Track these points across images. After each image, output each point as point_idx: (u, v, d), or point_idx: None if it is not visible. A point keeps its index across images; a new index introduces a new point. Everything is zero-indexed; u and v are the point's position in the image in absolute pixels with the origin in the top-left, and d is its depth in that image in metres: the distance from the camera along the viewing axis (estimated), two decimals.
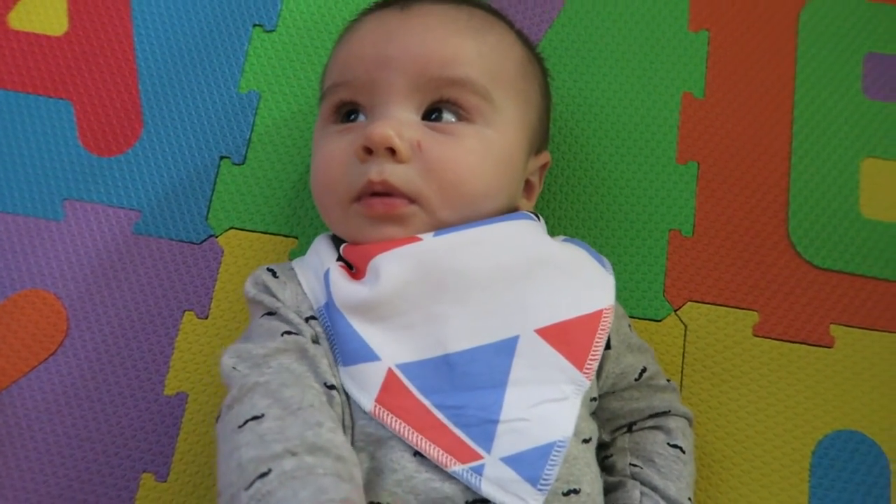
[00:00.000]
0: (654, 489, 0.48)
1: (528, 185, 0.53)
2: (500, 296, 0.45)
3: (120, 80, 0.64)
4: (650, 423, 0.51)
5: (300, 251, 0.60)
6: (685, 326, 0.59)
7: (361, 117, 0.49)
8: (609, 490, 0.49)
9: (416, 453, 0.42)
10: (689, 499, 0.49)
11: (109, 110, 0.64)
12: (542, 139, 0.55)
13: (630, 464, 0.50)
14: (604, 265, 0.50)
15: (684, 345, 0.59)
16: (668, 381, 0.53)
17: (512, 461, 0.42)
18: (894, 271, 0.61)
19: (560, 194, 0.62)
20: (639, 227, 0.62)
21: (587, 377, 0.45)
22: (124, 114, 0.64)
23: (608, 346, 0.48)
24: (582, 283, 0.47)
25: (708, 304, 0.60)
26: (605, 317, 0.46)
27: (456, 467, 0.42)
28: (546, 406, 0.43)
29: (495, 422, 0.42)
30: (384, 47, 0.48)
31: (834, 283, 0.61)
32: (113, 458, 0.56)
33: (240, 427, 0.39)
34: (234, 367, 0.43)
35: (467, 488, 0.42)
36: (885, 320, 0.60)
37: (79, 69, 0.65)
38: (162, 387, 0.58)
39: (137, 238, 0.61)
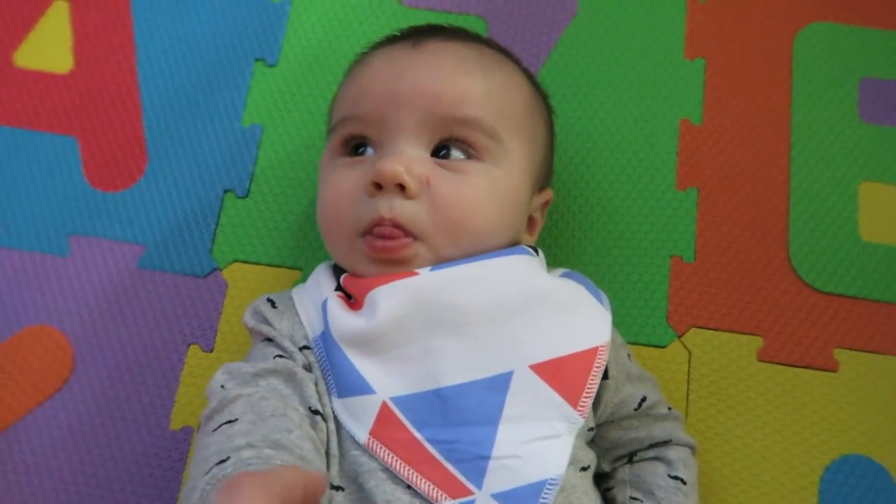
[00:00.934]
0: None
1: (530, 221, 0.54)
2: (496, 331, 0.45)
3: (125, 116, 0.65)
4: (651, 453, 0.51)
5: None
6: (689, 352, 0.60)
7: (370, 150, 0.49)
8: None
9: (408, 485, 0.43)
10: None
11: (114, 146, 0.65)
12: (546, 176, 0.56)
13: (630, 497, 0.50)
14: (601, 301, 0.50)
15: (689, 371, 0.59)
16: (671, 409, 0.53)
17: (503, 498, 0.42)
18: (895, 294, 0.61)
19: (561, 223, 0.63)
20: (640, 254, 0.62)
21: (581, 414, 0.45)
22: (129, 149, 0.64)
23: (606, 377, 0.48)
24: (578, 319, 0.47)
25: (711, 329, 0.60)
26: (600, 354, 0.46)
27: (447, 502, 0.42)
28: (539, 443, 0.43)
29: (487, 458, 0.42)
30: (395, 83, 0.48)
31: (836, 307, 0.61)
32: (119, 494, 0.56)
33: (213, 431, 0.40)
34: (222, 385, 0.43)
35: None
36: (889, 343, 0.60)
37: (84, 106, 0.65)
38: (168, 421, 0.58)
39: (142, 272, 0.61)
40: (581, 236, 0.63)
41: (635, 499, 0.50)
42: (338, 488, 0.43)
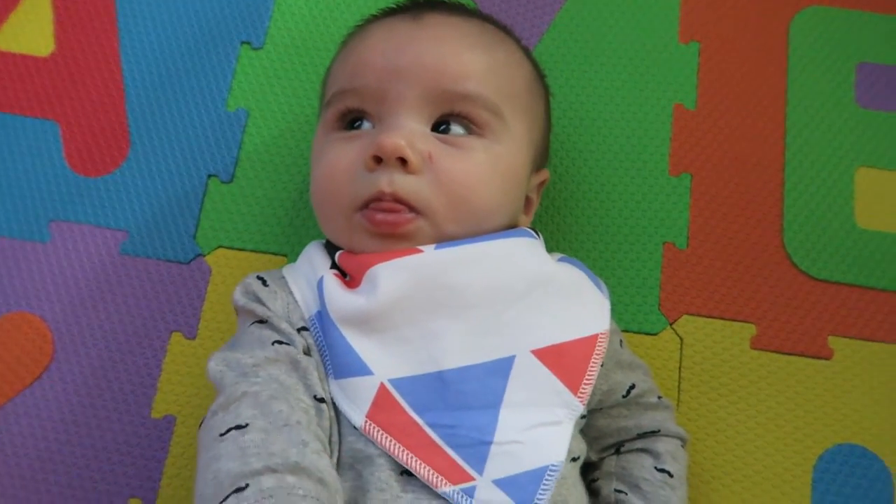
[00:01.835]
0: None
1: (527, 202, 0.53)
2: (498, 315, 0.44)
3: (107, 100, 0.64)
4: (638, 444, 0.50)
5: None
6: (681, 340, 0.59)
7: (367, 125, 0.48)
8: None
9: (403, 472, 0.41)
10: None
11: (96, 130, 0.63)
12: (543, 156, 0.55)
13: (615, 490, 0.49)
14: (600, 288, 0.49)
15: (681, 359, 0.58)
16: (661, 398, 0.52)
17: (504, 484, 0.41)
18: (891, 281, 0.60)
19: (553, 208, 0.62)
20: (633, 241, 0.61)
21: (581, 401, 0.44)
22: (111, 134, 0.63)
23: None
24: (580, 305, 0.47)
25: (704, 317, 0.59)
26: (600, 341, 0.45)
27: (447, 488, 0.41)
28: (540, 430, 0.43)
29: (489, 443, 0.42)
30: (396, 57, 0.47)
31: (831, 294, 0.60)
32: (100, 483, 0.55)
33: (221, 435, 0.38)
34: (222, 373, 0.42)
35: None
36: (884, 331, 0.59)
37: (65, 90, 0.64)
38: (149, 409, 0.57)
39: (124, 258, 0.60)
40: (573, 222, 0.61)
41: (620, 491, 0.49)
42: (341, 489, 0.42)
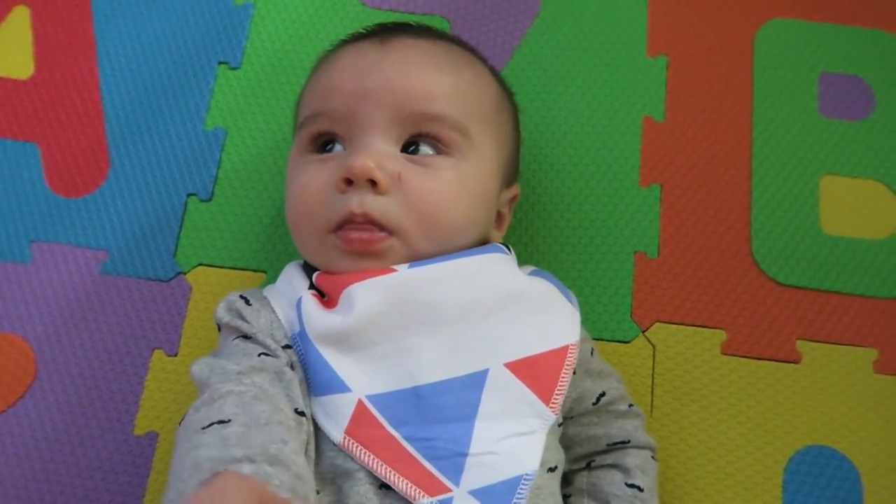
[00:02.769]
0: None
1: (498, 217, 0.54)
2: (472, 329, 0.45)
3: (86, 121, 0.65)
4: (608, 459, 0.51)
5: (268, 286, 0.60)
6: (654, 347, 0.60)
7: (338, 147, 0.49)
8: None
9: (382, 486, 0.42)
10: None
11: (76, 151, 0.64)
12: (513, 172, 0.56)
13: None
14: (570, 300, 0.51)
15: (653, 365, 0.60)
16: (632, 406, 0.53)
17: (480, 494, 0.42)
18: (857, 286, 0.62)
19: (526, 221, 0.63)
20: (605, 251, 0.62)
21: (554, 411, 0.45)
22: (91, 154, 0.64)
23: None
24: (551, 318, 0.48)
25: (675, 324, 0.61)
26: (570, 352, 0.47)
27: (424, 500, 0.42)
28: (514, 440, 0.44)
29: (465, 455, 0.43)
30: (364, 80, 0.48)
31: (799, 300, 0.61)
32: (84, 500, 0.56)
33: (203, 429, 0.38)
34: (207, 375, 0.42)
35: None
36: (850, 334, 0.60)
37: (45, 111, 0.65)
38: (132, 427, 0.57)
39: (105, 278, 0.61)
40: (546, 234, 0.63)
41: None
42: (317, 492, 0.43)
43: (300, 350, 0.46)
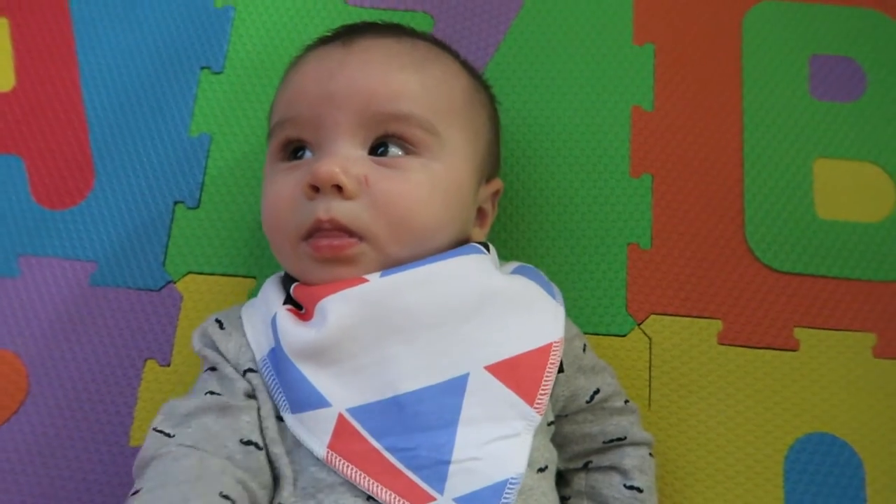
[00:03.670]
0: None
1: (480, 213, 0.53)
2: (450, 334, 0.44)
3: (70, 133, 0.64)
4: (606, 461, 0.51)
5: (259, 292, 0.59)
6: (650, 339, 0.59)
7: (308, 154, 0.49)
8: None
9: (369, 497, 0.42)
10: None
11: (61, 163, 0.64)
12: (492, 167, 0.55)
13: None
14: (553, 295, 0.50)
15: (650, 358, 0.59)
16: (627, 402, 0.52)
17: (465, 501, 0.42)
18: (853, 270, 0.61)
19: (516, 215, 0.62)
20: (597, 244, 0.62)
21: (538, 412, 0.45)
22: (76, 165, 0.64)
23: (561, 370, 0.47)
24: (531, 317, 0.47)
25: (671, 315, 0.60)
26: (554, 350, 0.46)
27: None
28: (498, 444, 0.43)
29: (447, 462, 0.42)
30: (327, 84, 0.48)
31: (795, 286, 0.61)
32: None
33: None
34: (155, 428, 0.43)
35: None
36: (848, 319, 0.60)
37: (28, 124, 0.65)
38: (127, 438, 0.57)
39: (95, 289, 0.60)
40: (537, 228, 0.62)
41: None
42: None
43: (269, 371, 0.45)
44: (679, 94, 0.65)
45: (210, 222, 0.62)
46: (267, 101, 0.65)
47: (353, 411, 0.43)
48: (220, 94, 0.65)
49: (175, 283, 0.61)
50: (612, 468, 0.51)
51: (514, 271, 0.51)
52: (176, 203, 0.63)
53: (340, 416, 0.43)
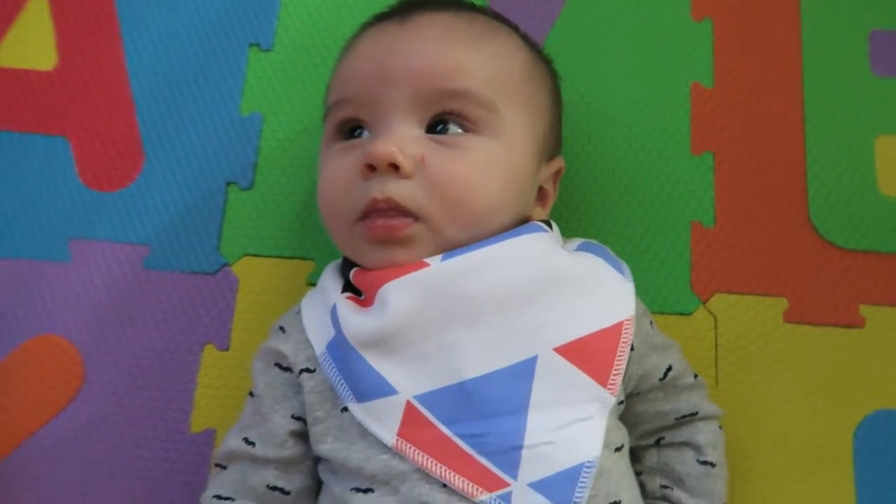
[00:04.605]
0: None
1: (541, 193, 0.52)
2: (515, 317, 0.43)
3: (116, 112, 0.62)
4: (679, 437, 0.50)
5: (317, 274, 0.58)
6: (715, 318, 0.59)
7: (366, 133, 0.48)
8: None
9: (444, 486, 0.42)
10: None
11: (108, 143, 0.62)
12: (554, 145, 0.53)
13: (661, 485, 0.50)
14: (622, 271, 0.49)
15: (716, 337, 0.58)
16: (696, 376, 0.51)
17: (540, 486, 0.41)
18: None
19: (578, 195, 0.61)
20: (660, 223, 0.61)
21: (612, 393, 0.44)
22: (123, 146, 0.62)
23: (632, 348, 0.46)
24: (599, 295, 0.46)
25: (736, 293, 0.59)
26: (626, 328, 0.45)
27: (483, 496, 0.41)
28: (571, 427, 0.42)
29: (519, 447, 0.42)
30: (383, 62, 0.46)
31: (859, 263, 0.60)
32: (145, 502, 0.54)
33: None
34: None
35: None
36: None
37: (72, 103, 0.62)
38: (188, 425, 0.56)
39: (149, 273, 0.59)
40: (599, 207, 0.61)
41: (666, 486, 0.50)
42: (366, 490, 0.43)
43: (329, 363, 0.45)
44: (738, 70, 0.64)
45: (264, 203, 0.61)
46: (318, 79, 0.64)
47: (421, 398, 0.43)
48: (269, 72, 0.64)
49: (231, 265, 0.59)
50: (686, 444, 0.50)
51: (579, 248, 0.50)
52: (228, 184, 0.61)
53: (408, 404, 0.43)
